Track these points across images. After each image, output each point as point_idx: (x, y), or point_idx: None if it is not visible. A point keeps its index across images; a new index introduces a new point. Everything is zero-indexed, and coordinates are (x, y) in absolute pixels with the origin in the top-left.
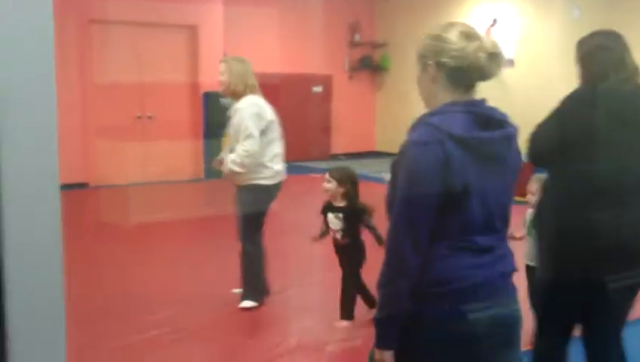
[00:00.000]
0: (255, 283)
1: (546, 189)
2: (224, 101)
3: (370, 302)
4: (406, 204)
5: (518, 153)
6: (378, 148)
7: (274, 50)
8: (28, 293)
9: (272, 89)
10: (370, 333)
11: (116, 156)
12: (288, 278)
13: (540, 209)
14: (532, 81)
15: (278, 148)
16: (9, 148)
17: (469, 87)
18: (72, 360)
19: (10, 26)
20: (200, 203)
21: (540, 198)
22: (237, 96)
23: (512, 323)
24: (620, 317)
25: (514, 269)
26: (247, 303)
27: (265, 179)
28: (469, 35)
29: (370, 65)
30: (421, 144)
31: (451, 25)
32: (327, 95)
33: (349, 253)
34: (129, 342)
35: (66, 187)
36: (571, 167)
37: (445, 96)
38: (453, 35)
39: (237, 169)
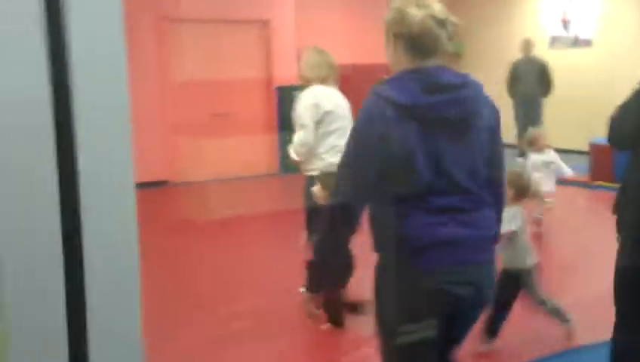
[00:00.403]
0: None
1: (628, 174)
2: (297, 94)
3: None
4: (347, 167)
5: (489, 113)
6: None
7: (345, 41)
8: (107, 288)
9: (345, 80)
10: None
11: (194, 153)
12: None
13: (620, 195)
14: (610, 62)
15: (337, 139)
16: (85, 149)
17: (427, 54)
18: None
19: (82, 30)
20: (275, 197)
21: (621, 185)
22: (309, 85)
23: (475, 288)
24: None
25: (489, 232)
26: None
27: (318, 171)
28: (419, 4)
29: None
30: (364, 112)
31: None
32: None
33: None
34: (211, 334)
35: (147, 185)
36: None
37: (405, 64)
38: (405, 6)
39: (294, 157)
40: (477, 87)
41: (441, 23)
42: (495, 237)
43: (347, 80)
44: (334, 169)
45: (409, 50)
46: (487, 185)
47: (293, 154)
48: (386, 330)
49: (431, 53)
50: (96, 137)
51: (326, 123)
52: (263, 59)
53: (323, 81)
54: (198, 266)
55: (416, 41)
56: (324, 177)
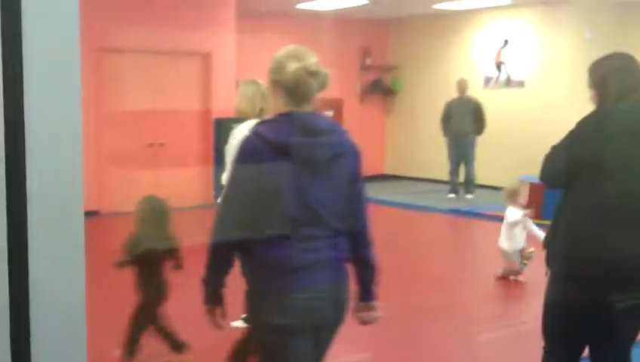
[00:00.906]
0: None
1: (559, 211)
2: (235, 126)
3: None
4: (226, 198)
5: (352, 156)
6: (388, 171)
7: None
8: (52, 306)
9: None
10: None
11: (127, 183)
12: None
13: (551, 231)
14: (542, 103)
15: None
16: (36, 168)
17: (300, 101)
18: None
19: (39, 60)
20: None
21: (553, 221)
22: (246, 118)
23: (334, 303)
24: (629, 337)
25: (344, 255)
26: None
27: None
28: (296, 57)
29: (381, 89)
30: (241, 149)
31: (286, 48)
32: (338, 119)
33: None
34: None
35: None
36: (583, 188)
37: (282, 108)
38: (283, 58)
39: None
40: (343, 133)
41: (313, 74)
42: (346, 259)
43: None
44: None
45: (284, 96)
46: (346, 218)
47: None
48: (264, 343)
49: (303, 100)
50: (46, 157)
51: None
52: (202, 90)
53: (259, 114)
54: (129, 299)
55: (290, 89)
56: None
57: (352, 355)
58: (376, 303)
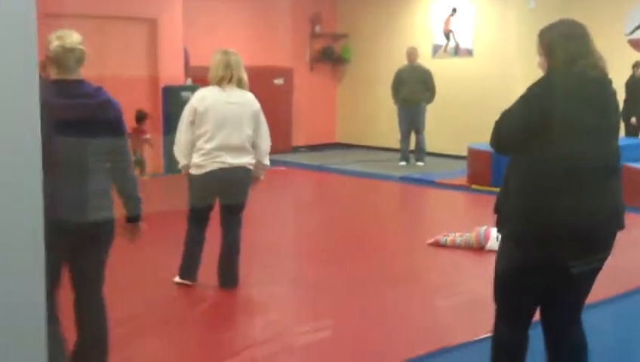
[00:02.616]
0: (184, 261)
1: (510, 176)
2: (185, 94)
3: None
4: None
5: (114, 111)
6: (339, 139)
7: (234, 43)
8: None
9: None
10: None
11: None
12: (255, 271)
13: (502, 195)
14: (489, 72)
15: (204, 143)
16: None
17: (67, 69)
18: None
19: None
20: (158, 198)
21: (503, 186)
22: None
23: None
24: (581, 298)
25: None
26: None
27: (193, 168)
28: (59, 36)
29: (331, 57)
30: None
31: (56, 31)
32: (288, 87)
33: None
34: None
35: None
36: (537, 153)
37: (53, 76)
38: (50, 37)
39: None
40: (102, 96)
41: (71, 50)
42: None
43: None
44: (195, 170)
45: (52, 67)
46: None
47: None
48: None
49: (67, 70)
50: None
51: (196, 125)
52: (149, 58)
53: (219, 82)
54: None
55: (54, 61)
56: (193, 175)
57: (316, 322)
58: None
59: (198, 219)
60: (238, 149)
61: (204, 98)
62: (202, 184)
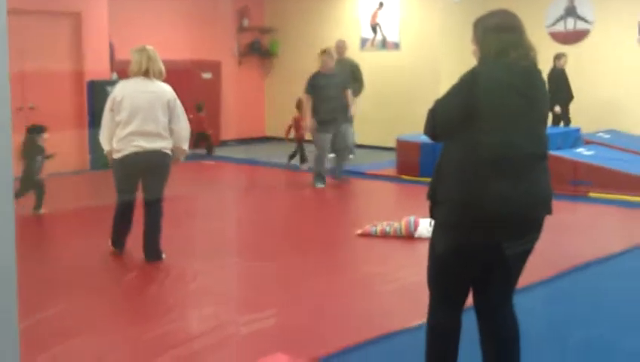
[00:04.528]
0: (113, 233)
1: (442, 163)
2: (110, 89)
3: None
4: None
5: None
6: (268, 133)
7: (161, 37)
8: None
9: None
10: None
11: None
12: (189, 265)
13: (435, 183)
14: (417, 63)
15: (127, 126)
16: None
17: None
18: None
19: None
20: (84, 194)
21: (436, 173)
22: (134, 77)
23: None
24: (513, 282)
25: None
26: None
27: (114, 153)
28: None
29: (259, 51)
30: None
31: None
32: (216, 81)
33: None
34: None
35: None
36: (470, 140)
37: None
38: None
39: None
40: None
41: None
42: None
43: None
44: (115, 154)
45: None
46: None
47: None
48: None
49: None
50: None
51: (115, 113)
52: (73, 52)
53: (136, 74)
54: None
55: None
56: (115, 159)
57: (255, 314)
58: None
59: (122, 198)
60: (152, 135)
61: (122, 88)
62: (121, 166)
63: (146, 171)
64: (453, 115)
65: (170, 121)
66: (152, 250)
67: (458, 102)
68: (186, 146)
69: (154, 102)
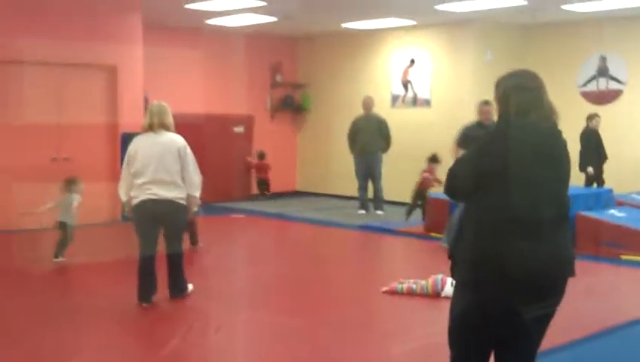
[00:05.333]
0: (139, 286)
1: (463, 222)
2: None
3: None
4: None
5: None
6: (299, 187)
7: (195, 91)
8: None
9: (194, 129)
10: None
11: (30, 199)
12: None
13: (455, 241)
14: (447, 120)
15: (141, 176)
16: None
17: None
18: None
19: None
20: (116, 245)
21: (457, 233)
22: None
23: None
24: (534, 346)
25: None
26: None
27: (133, 201)
28: None
29: (291, 106)
30: None
31: None
32: (248, 135)
33: None
34: None
35: None
36: (490, 200)
37: None
38: None
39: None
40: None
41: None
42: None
43: (197, 129)
44: (133, 202)
45: None
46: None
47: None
48: None
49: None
50: None
51: (130, 165)
52: (109, 105)
53: (149, 129)
54: (33, 316)
55: None
56: (132, 207)
57: None
58: None
59: (144, 246)
60: (165, 183)
61: (135, 142)
62: (137, 213)
63: (160, 217)
64: (470, 176)
65: (181, 169)
66: (176, 286)
67: (476, 164)
68: (197, 194)
69: (164, 152)
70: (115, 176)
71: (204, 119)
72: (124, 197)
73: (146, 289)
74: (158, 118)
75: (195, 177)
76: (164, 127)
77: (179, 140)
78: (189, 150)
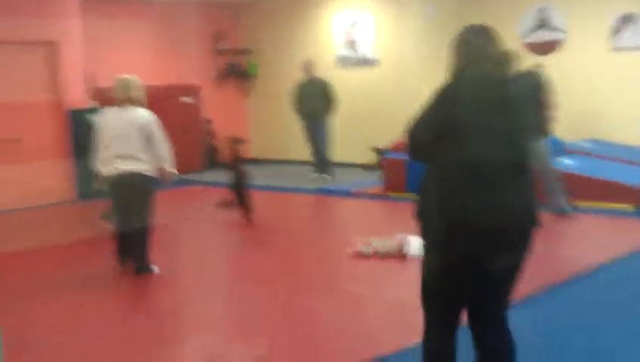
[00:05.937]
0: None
1: (428, 182)
2: (87, 117)
3: None
4: None
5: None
6: (253, 154)
7: (138, 64)
8: None
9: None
10: None
11: None
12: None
13: (424, 202)
14: (395, 79)
15: (107, 150)
16: None
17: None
18: None
19: None
20: (72, 225)
21: (422, 193)
22: (119, 105)
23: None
24: (506, 297)
25: None
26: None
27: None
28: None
29: (237, 72)
30: None
31: None
32: (197, 105)
33: None
34: None
35: None
36: (448, 155)
37: None
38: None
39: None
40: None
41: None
42: None
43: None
44: (110, 173)
45: None
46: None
47: None
48: None
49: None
50: None
51: (99, 139)
52: (51, 81)
53: (117, 103)
54: None
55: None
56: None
57: (248, 340)
58: None
59: (116, 212)
60: (129, 157)
61: (102, 116)
62: (108, 185)
63: (125, 191)
64: (428, 131)
65: (149, 144)
66: (139, 259)
67: (432, 121)
68: (168, 167)
69: (128, 126)
70: (64, 155)
71: (149, 91)
72: (99, 169)
73: (123, 250)
74: (123, 92)
75: (165, 151)
76: (130, 101)
77: (144, 115)
78: (155, 125)
